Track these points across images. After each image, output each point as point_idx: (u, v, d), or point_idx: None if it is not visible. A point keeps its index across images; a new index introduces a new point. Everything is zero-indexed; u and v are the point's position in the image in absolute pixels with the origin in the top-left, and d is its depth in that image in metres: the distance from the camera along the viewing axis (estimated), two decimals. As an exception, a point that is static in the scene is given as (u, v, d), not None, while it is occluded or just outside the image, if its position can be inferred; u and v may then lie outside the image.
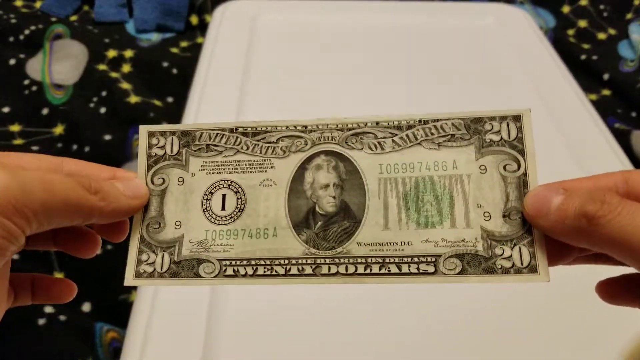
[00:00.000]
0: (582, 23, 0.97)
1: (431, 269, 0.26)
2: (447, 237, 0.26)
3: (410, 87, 0.72)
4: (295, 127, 0.28)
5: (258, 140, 0.28)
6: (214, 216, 0.28)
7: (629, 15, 0.97)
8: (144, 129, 0.29)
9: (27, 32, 0.85)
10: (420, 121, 0.27)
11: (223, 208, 0.28)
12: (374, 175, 0.27)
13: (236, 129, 0.28)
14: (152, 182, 0.29)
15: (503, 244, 0.26)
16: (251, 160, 0.28)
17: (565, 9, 0.99)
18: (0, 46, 0.83)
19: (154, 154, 0.29)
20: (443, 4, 0.92)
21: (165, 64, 0.83)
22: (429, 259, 0.26)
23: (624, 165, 0.60)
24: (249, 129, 0.28)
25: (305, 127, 0.28)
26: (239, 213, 0.28)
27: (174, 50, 0.88)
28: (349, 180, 0.27)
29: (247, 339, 0.44)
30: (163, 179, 0.29)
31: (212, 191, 0.28)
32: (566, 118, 0.67)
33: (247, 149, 0.28)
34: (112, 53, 0.84)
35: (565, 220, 0.23)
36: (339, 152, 0.28)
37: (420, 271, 0.26)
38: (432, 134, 0.27)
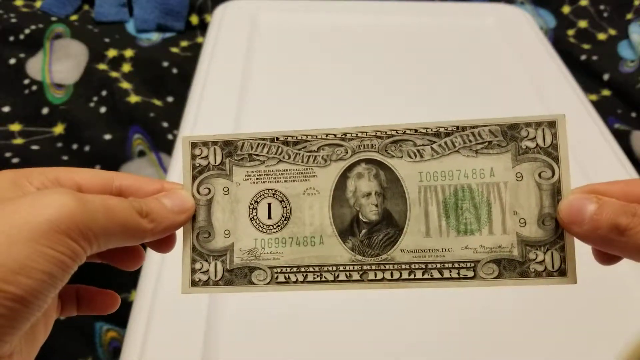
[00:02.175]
0: (582, 23, 0.97)
1: (470, 273, 0.27)
2: (485, 244, 0.27)
3: (410, 86, 0.72)
4: (334, 135, 0.29)
5: (299, 150, 0.29)
6: (262, 225, 0.29)
7: (629, 16, 0.97)
8: (186, 140, 0.29)
9: (27, 31, 0.85)
10: (458, 128, 0.28)
11: (269, 217, 0.29)
12: (414, 183, 0.28)
13: (277, 139, 0.29)
14: (199, 192, 0.29)
15: (537, 249, 0.27)
16: (293, 170, 0.29)
17: (566, 9, 0.99)
18: (0, 45, 0.83)
19: (198, 165, 0.29)
20: (443, 4, 0.92)
21: (165, 64, 0.83)
22: (468, 265, 0.27)
23: (624, 166, 0.60)
24: (290, 138, 0.29)
25: (345, 135, 0.29)
26: (285, 221, 0.29)
27: (174, 49, 0.88)
28: (390, 188, 0.28)
29: (247, 338, 0.44)
30: (209, 189, 0.29)
31: (258, 200, 0.29)
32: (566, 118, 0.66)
33: (289, 158, 0.29)
34: (112, 52, 0.84)
35: (598, 230, 0.25)
36: (379, 160, 0.28)
37: (461, 276, 0.27)
38: (470, 141, 0.28)
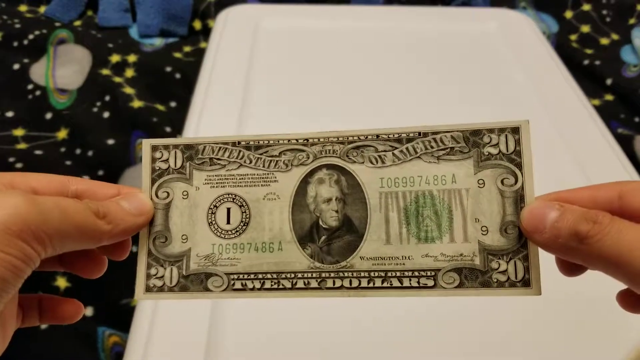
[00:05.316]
0: (585, 28, 0.97)
1: (431, 282, 0.27)
2: (446, 252, 0.27)
3: (413, 91, 0.72)
4: (296, 140, 0.28)
5: (261, 154, 0.28)
6: (220, 230, 0.28)
7: (631, 21, 0.97)
8: (147, 143, 0.29)
9: (31, 37, 0.86)
10: (419, 134, 0.27)
11: (228, 222, 0.28)
12: (375, 189, 0.28)
13: (239, 143, 0.29)
14: (157, 196, 0.29)
15: (499, 258, 0.26)
16: (254, 174, 0.28)
17: (568, 14, 0.99)
18: (4, 51, 0.84)
19: (157, 168, 0.29)
20: (446, 9, 0.92)
21: (168, 69, 0.83)
22: (428, 273, 0.27)
23: (626, 170, 0.60)
24: (252, 143, 0.29)
25: (307, 140, 0.28)
26: (244, 227, 0.28)
27: (177, 55, 0.88)
28: (351, 194, 0.28)
29: (249, 343, 0.44)
30: (167, 192, 0.29)
31: (217, 205, 0.29)
32: (569, 123, 0.66)
33: (250, 162, 0.28)
34: (115, 58, 0.84)
35: (559, 238, 0.24)
36: (340, 165, 0.28)
37: (421, 285, 0.27)
38: (432, 147, 0.27)
